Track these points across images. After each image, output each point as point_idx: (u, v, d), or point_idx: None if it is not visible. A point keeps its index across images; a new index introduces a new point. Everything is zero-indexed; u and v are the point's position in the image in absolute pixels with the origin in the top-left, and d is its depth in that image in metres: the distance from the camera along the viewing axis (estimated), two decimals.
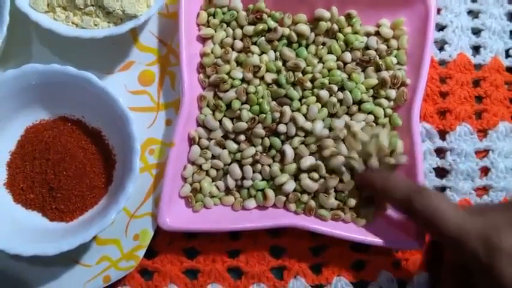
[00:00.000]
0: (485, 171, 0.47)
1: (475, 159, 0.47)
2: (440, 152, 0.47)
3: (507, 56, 0.49)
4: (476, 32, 0.49)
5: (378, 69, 0.44)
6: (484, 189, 0.47)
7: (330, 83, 0.44)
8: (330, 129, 0.43)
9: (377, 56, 0.44)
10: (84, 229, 0.40)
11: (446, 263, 0.39)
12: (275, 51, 0.45)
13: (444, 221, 0.34)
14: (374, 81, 0.44)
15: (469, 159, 0.47)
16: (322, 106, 0.43)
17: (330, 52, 0.45)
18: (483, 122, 0.47)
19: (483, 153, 0.47)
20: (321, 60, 0.45)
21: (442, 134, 0.47)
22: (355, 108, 0.44)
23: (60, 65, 0.40)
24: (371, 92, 0.44)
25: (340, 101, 0.44)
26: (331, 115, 0.44)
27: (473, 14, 0.49)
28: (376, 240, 0.42)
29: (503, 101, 0.48)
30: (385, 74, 0.44)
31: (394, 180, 0.39)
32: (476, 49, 0.49)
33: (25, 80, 0.41)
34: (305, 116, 0.43)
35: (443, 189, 0.47)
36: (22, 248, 0.38)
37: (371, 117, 0.44)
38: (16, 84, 0.41)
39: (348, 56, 0.44)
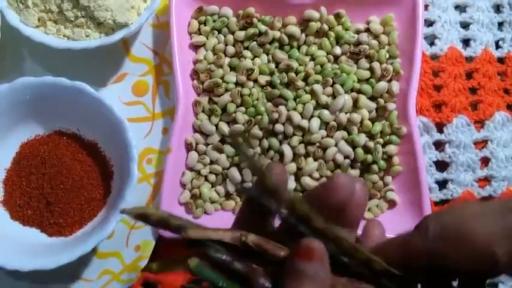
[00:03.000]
0: (485, 161, 0.47)
1: (474, 151, 0.47)
2: (439, 145, 0.47)
3: (497, 47, 0.49)
4: (465, 25, 0.49)
5: (370, 61, 0.44)
6: (486, 180, 0.47)
7: (323, 78, 0.44)
8: (327, 123, 0.43)
9: (368, 48, 0.44)
10: (84, 241, 0.39)
11: None
12: (267, 54, 0.45)
13: None
14: (366, 73, 0.44)
15: (468, 150, 0.46)
16: (317, 102, 0.43)
17: (320, 49, 0.45)
18: (479, 112, 0.47)
19: (482, 143, 0.47)
20: (312, 57, 0.45)
21: (440, 127, 0.47)
22: (349, 103, 0.43)
23: (53, 77, 0.40)
24: (365, 86, 0.44)
25: (334, 94, 0.44)
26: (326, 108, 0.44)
27: (460, 8, 0.50)
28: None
29: (497, 91, 0.48)
30: (376, 65, 0.44)
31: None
32: (466, 42, 0.49)
33: (18, 94, 0.40)
34: (301, 114, 0.43)
35: (445, 182, 0.46)
36: (21, 263, 0.38)
37: (365, 113, 0.44)
38: (9, 99, 0.40)
39: (338, 50, 0.45)
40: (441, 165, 0.47)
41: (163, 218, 0.23)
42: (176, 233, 0.23)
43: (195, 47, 0.46)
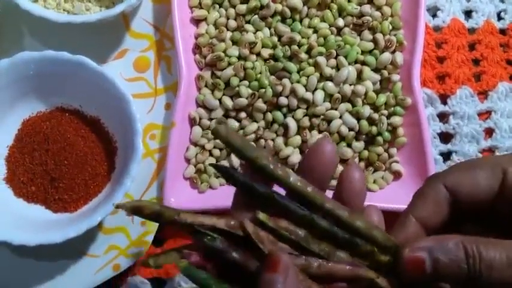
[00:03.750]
0: (489, 132, 0.47)
1: (478, 121, 0.47)
2: (443, 117, 0.47)
3: (499, 18, 0.49)
4: None
5: (373, 33, 0.44)
6: (490, 151, 0.47)
7: (326, 50, 0.43)
8: (331, 96, 0.43)
9: (371, 19, 0.44)
10: (89, 216, 0.38)
11: None
12: (269, 28, 0.45)
13: None
14: (370, 44, 0.44)
15: (472, 121, 0.46)
16: (321, 74, 0.43)
17: (323, 21, 0.45)
18: (482, 83, 0.47)
19: (485, 114, 0.47)
20: (315, 29, 0.44)
21: (443, 99, 0.47)
22: (353, 74, 0.43)
23: (54, 51, 0.40)
24: (369, 57, 0.44)
25: (338, 66, 0.43)
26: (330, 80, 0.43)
27: None
28: (390, 206, 0.41)
29: (500, 62, 0.48)
30: (380, 37, 0.43)
31: None
32: (468, 14, 0.49)
33: (19, 69, 0.40)
34: (305, 87, 0.43)
35: (449, 153, 0.46)
36: (27, 238, 0.37)
37: (369, 84, 0.43)
38: (10, 74, 0.40)
39: (340, 22, 0.44)
40: (445, 137, 0.47)
41: (156, 211, 0.23)
42: (169, 225, 0.23)
43: (196, 21, 0.45)
